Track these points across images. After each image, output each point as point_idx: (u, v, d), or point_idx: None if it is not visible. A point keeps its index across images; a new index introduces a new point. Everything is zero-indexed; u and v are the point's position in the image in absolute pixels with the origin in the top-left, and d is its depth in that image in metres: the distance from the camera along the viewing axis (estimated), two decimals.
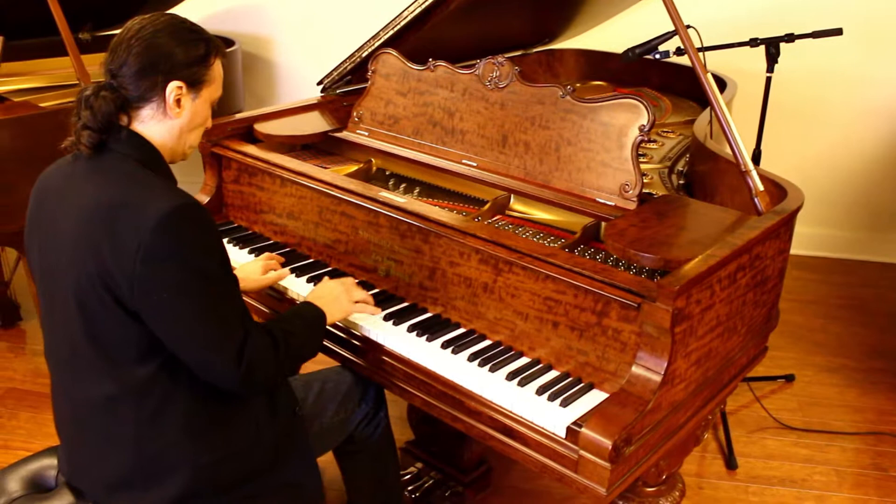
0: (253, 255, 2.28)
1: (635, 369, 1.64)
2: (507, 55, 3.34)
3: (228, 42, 3.95)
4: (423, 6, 2.44)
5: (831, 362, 3.36)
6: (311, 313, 1.84)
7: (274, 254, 2.22)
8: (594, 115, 2.02)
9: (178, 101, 1.61)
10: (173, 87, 1.59)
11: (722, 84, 3.07)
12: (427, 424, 2.51)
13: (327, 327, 1.88)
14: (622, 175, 1.98)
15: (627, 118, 1.97)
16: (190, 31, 1.63)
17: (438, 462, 2.51)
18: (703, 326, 1.72)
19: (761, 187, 1.98)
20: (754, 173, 1.98)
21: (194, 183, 2.48)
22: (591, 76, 3.65)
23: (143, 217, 1.46)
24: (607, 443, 1.53)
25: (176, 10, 4.07)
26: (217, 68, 1.68)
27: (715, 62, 2.92)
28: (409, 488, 2.45)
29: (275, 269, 2.14)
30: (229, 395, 1.66)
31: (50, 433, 2.86)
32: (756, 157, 2.87)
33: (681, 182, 2.44)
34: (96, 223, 1.50)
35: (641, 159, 2.40)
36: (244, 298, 1.76)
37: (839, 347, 3.48)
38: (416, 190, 2.33)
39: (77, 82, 3.06)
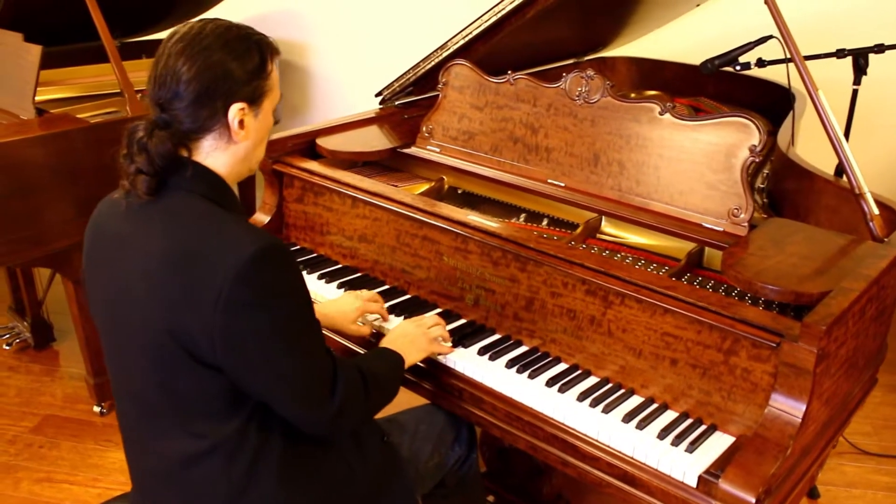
0: (323, 280, 2.15)
1: (770, 412, 1.51)
2: (559, 64, 3.25)
3: None
4: (500, 15, 2.31)
5: None
6: (392, 357, 1.72)
7: (377, 293, 2.03)
8: (699, 135, 1.89)
9: (241, 123, 1.42)
10: (236, 111, 1.40)
11: (792, 97, 2.94)
12: (501, 458, 2.38)
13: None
14: (731, 198, 1.85)
15: (737, 137, 1.85)
16: (239, 39, 1.41)
17: (513, 496, 2.38)
18: (836, 364, 1.60)
19: (876, 211, 1.86)
20: (869, 196, 1.86)
21: None
22: (643, 85, 3.52)
23: (221, 266, 1.31)
24: (750, 498, 1.41)
25: (202, 17, 3.95)
26: (275, 74, 1.49)
27: (774, 72, 2.80)
28: None
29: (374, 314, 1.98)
30: (317, 438, 1.55)
31: (95, 464, 2.74)
32: (838, 174, 2.74)
33: (765, 200, 2.31)
34: (169, 274, 1.34)
35: None
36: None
37: None
38: (499, 212, 2.21)
39: (118, 91, 2.92)
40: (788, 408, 1.49)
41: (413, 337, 1.79)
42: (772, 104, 3.01)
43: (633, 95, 3.38)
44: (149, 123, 1.38)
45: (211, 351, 1.34)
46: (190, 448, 1.44)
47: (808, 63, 2.56)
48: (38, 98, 3.13)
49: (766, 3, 1.90)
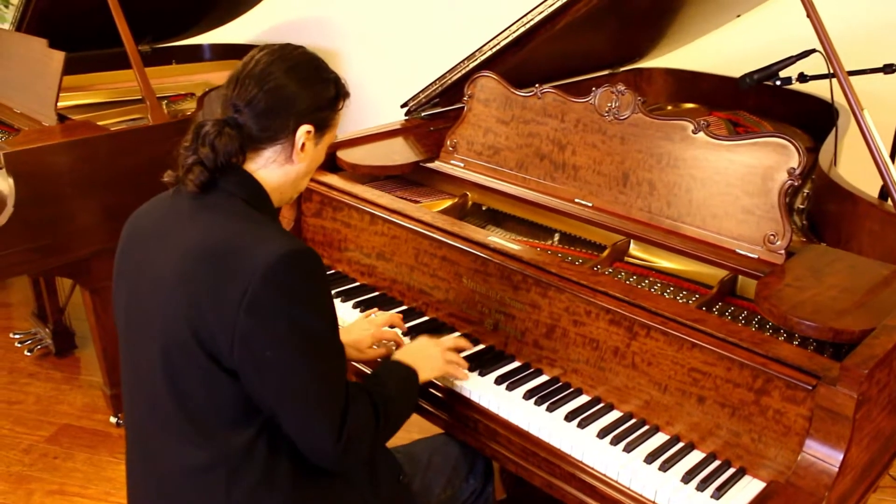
0: (339, 298, 2.07)
1: (804, 459, 1.40)
2: (593, 75, 3.15)
3: None
4: (528, 26, 2.22)
5: None
6: (405, 373, 1.63)
7: (395, 313, 1.93)
8: (734, 155, 1.79)
9: (303, 146, 1.45)
10: (304, 131, 1.44)
11: (835, 114, 2.81)
12: (521, 485, 2.29)
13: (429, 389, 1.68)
14: (768, 224, 1.74)
15: (774, 159, 1.75)
16: (320, 70, 1.49)
17: None
18: (878, 407, 1.49)
19: None
20: None
21: None
22: (680, 97, 3.41)
23: (252, 261, 1.29)
24: None
25: (233, 24, 3.91)
26: (341, 114, 1.53)
27: (818, 86, 2.68)
28: None
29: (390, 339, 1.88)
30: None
31: (108, 477, 2.70)
32: (883, 197, 2.61)
33: (805, 222, 2.19)
34: (200, 267, 1.33)
35: None
36: None
37: None
38: (524, 231, 2.12)
39: (140, 98, 2.88)
40: (824, 455, 1.38)
41: (429, 354, 1.71)
42: (815, 119, 2.89)
43: (669, 108, 3.27)
44: (219, 121, 1.41)
45: (229, 352, 1.31)
46: (193, 457, 1.39)
47: (854, 78, 2.45)
48: (67, 103, 3.13)
49: (808, 16, 1.79)
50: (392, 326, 1.88)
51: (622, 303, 1.62)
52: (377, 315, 1.91)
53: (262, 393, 1.34)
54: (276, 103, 1.41)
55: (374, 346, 1.85)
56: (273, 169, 1.46)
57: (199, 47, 3.91)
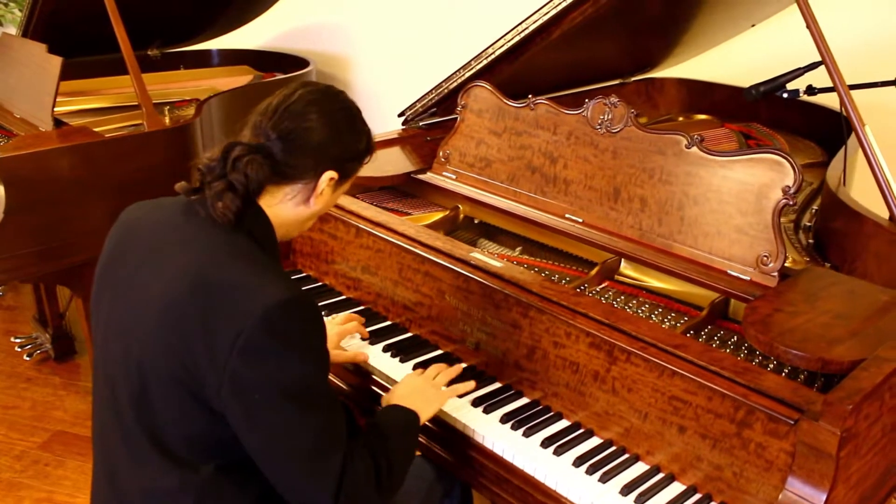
0: (323, 312, 2.01)
1: (786, 497, 1.32)
2: (603, 84, 3.08)
3: (303, 62, 3.71)
4: (523, 35, 2.16)
5: None
6: (406, 419, 1.55)
7: (352, 313, 1.95)
8: (728, 172, 1.71)
9: (322, 191, 1.43)
10: (328, 177, 1.42)
11: (846, 128, 2.71)
12: None
13: None
14: (761, 244, 1.67)
15: (769, 177, 1.67)
16: (356, 121, 1.48)
17: None
18: (867, 443, 1.40)
19: None
20: None
21: None
22: (693, 108, 3.32)
23: (250, 302, 1.25)
24: None
25: (246, 28, 3.88)
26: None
27: (833, 99, 2.58)
28: None
29: (357, 333, 1.90)
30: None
31: None
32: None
33: (810, 241, 2.11)
34: (194, 297, 1.28)
35: None
36: None
37: None
38: (515, 246, 2.06)
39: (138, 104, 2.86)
40: (806, 494, 1.30)
41: (422, 389, 1.64)
42: (829, 132, 2.79)
43: (681, 119, 3.19)
44: (251, 146, 1.38)
45: (217, 391, 1.26)
46: (160, 482, 1.34)
47: (866, 91, 2.35)
48: (71, 108, 3.12)
49: (807, 27, 1.71)
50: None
51: (602, 326, 1.55)
52: (335, 316, 1.93)
53: (250, 438, 1.29)
54: (307, 143, 1.38)
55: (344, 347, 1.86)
56: (287, 207, 1.43)
57: (207, 53, 3.89)
